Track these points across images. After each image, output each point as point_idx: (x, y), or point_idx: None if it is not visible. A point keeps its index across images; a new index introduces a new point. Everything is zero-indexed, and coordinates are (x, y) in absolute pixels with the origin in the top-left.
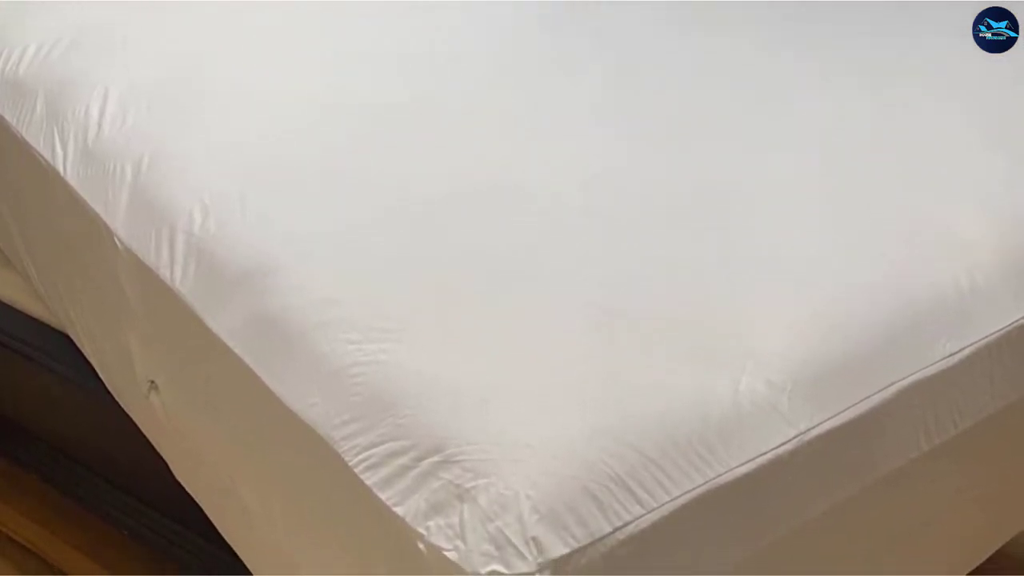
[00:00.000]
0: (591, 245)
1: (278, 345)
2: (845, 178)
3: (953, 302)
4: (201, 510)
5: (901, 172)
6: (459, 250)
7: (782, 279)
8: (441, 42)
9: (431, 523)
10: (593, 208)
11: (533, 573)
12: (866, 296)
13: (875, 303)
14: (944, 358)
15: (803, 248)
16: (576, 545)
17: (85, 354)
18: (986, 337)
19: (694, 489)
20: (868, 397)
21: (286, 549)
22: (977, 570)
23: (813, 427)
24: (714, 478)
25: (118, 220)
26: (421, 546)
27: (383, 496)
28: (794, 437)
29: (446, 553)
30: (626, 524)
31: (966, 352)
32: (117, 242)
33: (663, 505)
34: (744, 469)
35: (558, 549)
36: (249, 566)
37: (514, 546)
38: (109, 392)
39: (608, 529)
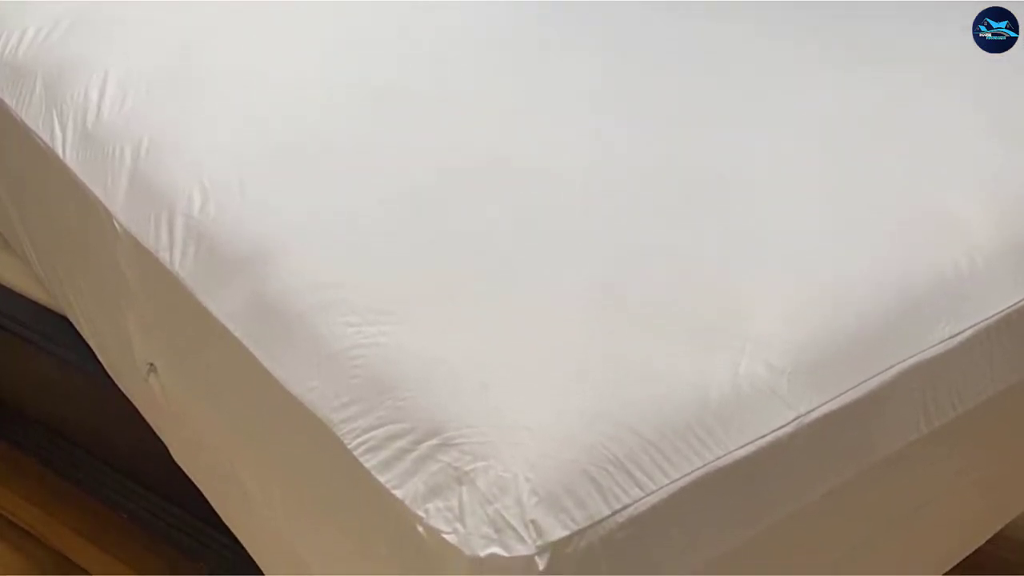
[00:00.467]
0: (591, 229)
1: (277, 328)
2: (845, 162)
3: (952, 285)
4: (200, 493)
5: (901, 156)
6: (458, 234)
7: (782, 262)
8: (441, 26)
9: (430, 506)
10: (593, 192)
11: (532, 555)
12: (866, 279)
13: (875, 286)
14: (943, 341)
15: (803, 232)
16: (575, 528)
17: (84, 337)
18: (985, 320)
19: (693, 472)
20: (867, 380)
21: (285, 532)
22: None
23: (812, 410)
24: (713, 461)
25: (117, 203)
26: (420, 529)
27: (382, 479)
28: (793, 420)
29: (445, 536)
30: (625, 507)
31: (965, 335)
32: (116, 225)
33: (662, 488)
34: (743, 452)
35: (557, 532)
36: (248, 548)
37: (513, 529)
38: (108, 375)
39: (607, 512)
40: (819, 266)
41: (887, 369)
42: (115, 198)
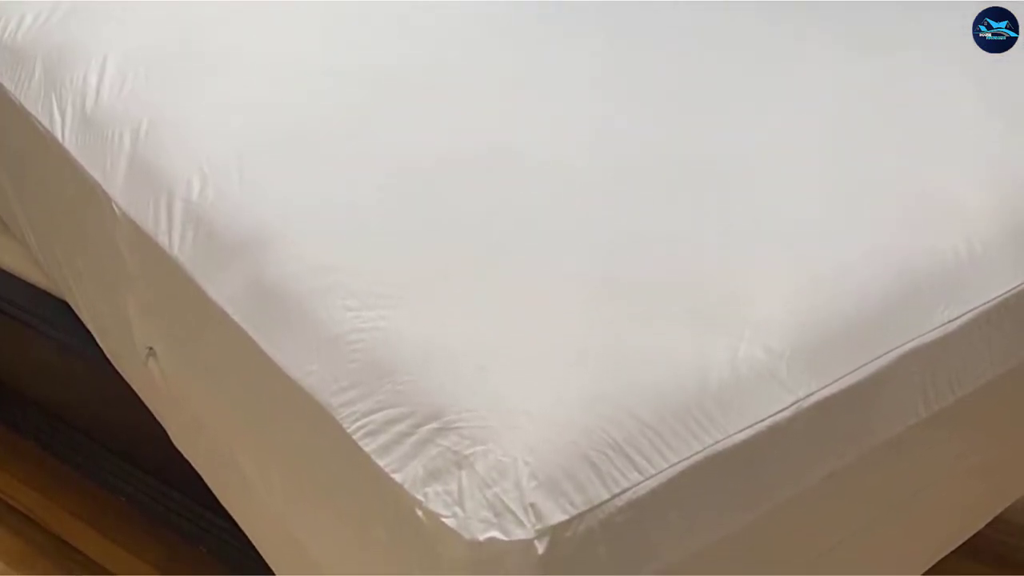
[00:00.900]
0: (590, 212)
1: (276, 312)
2: (844, 145)
3: (952, 269)
4: (200, 477)
5: (900, 139)
6: (458, 217)
7: (781, 246)
8: (441, 9)
9: (429, 490)
10: (592, 175)
11: (531, 539)
12: (865, 263)
13: (874, 270)
14: (942, 325)
15: (802, 215)
16: (574, 512)
17: (83, 321)
18: (984, 304)
19: (692, 456)
20: (867, 364)
21: (284, 516)
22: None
23: (811, 394)
24: (712, 445)
25: (117, 187)
26: (419, 513)
27: (381, 463)
28: (792, 404)
29: (444, 520)
30: (624, 491)
31: (965, 319)
32: (116, 209)
33: (661, 472)
34: (742, 436)
35: (556, 516)
36: (247, 532)
37: (512, 513)
38: (108, 359)
39: (606, 496)
40: (818, 251)
41: (886, 353)
42: (114, 182)
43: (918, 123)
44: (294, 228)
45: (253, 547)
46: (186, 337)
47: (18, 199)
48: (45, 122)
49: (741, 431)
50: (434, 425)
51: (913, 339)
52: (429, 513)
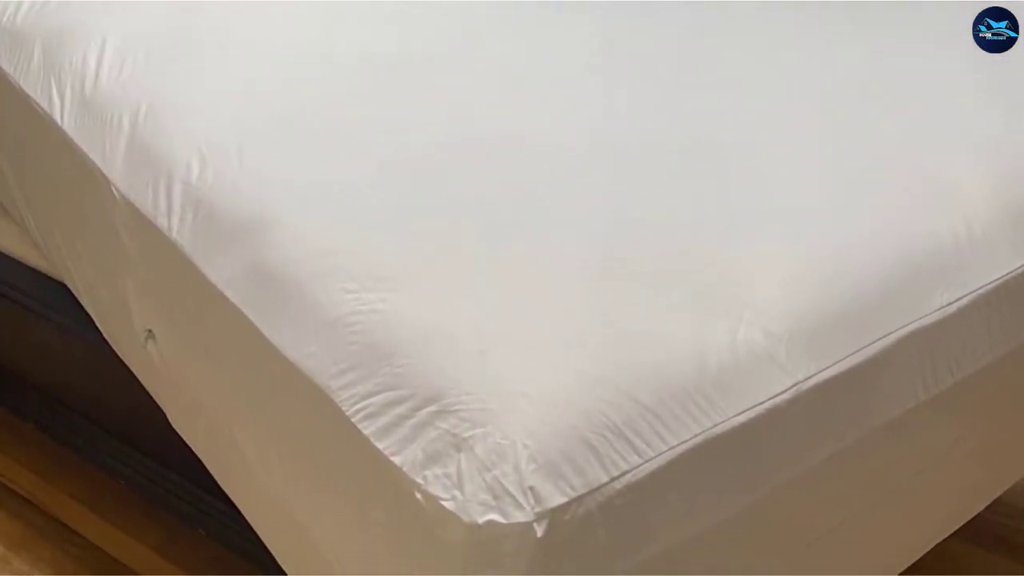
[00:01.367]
0: (589, 195)
1: (275, 295)
2: (843, 129)
3: (950, 252)
4: (199, 460)
5: (899, 123)
6: (457, 200)
7: (780, 229)
8: None
9: (428, 472)
10: (591, 158)
11: (530, 522)
12: (863, 246)
13: (872, 253)
14: (941, 308)
15: (800, 198)
16: (573, 495)
17: (83, 304)
18: (983, 287)
19: (691, 439)
20: (866, 347)
21: (283, 498)
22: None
23: (810, 376)
24: (711, 427)
25: (116, 170)
26: (418, 495)
27: (380, 446)
28: (791, 387)
29: (443, 502)
30: (623, 473)
31: (963, 302)
32: (115, 191)
33: (660, 455)
34: (741, 419)
35: (555, 499)
36: (246, 515)
37: (511, 496)
38: (107, 342)
39: (605, 479)
40: (818, 233)
41: (885, 336)
42: (113, 165)
43: (917, 107)
44: (294, 211)
45: (252, 529)
46: (185, 320)
47: (17, 182)
48: (44, 105)
49: (740, 414)
50: (433, 408)
51: (912, 322)
52: (428, 496)
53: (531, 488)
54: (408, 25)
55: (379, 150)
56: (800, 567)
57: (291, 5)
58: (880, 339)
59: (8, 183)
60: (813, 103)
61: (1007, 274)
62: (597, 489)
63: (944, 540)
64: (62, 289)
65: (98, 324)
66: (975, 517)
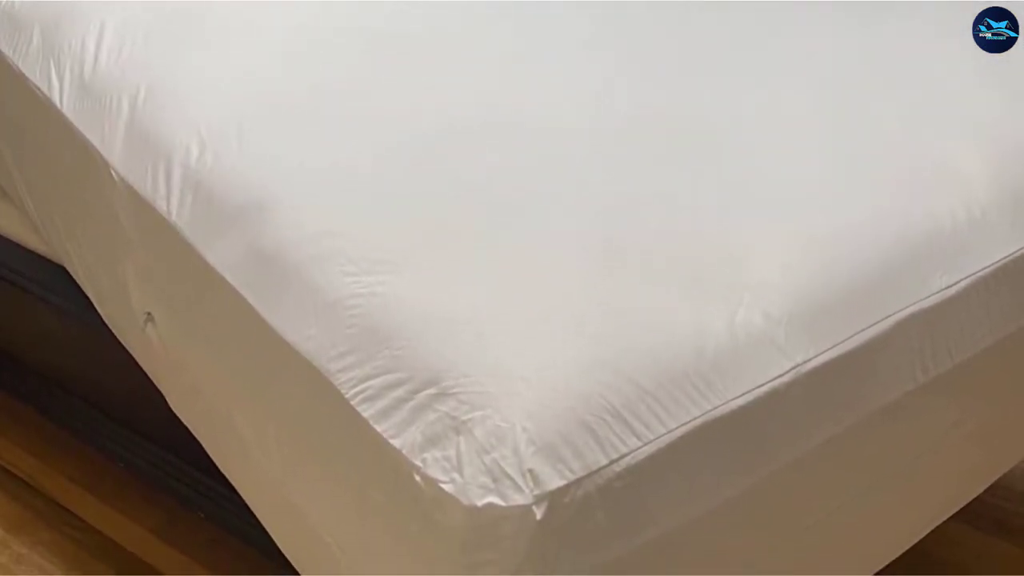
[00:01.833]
0: (588, 178)
1: (274, 278)
2: (842, 111)
3: (949, 234)
4: (197, 442)
5: (899, 106)
6: (456, 183)
7: (779, 211)
8: None
9: (427, 455)
10: (591, 141)
11: (529, 505)
12: (862, 229)
13: (871, 236)
14: (940, 291)
15: (800, 181)
16: (572, 477)
17: (82, 286)
18: (982, 270)
19: (690, 421)
20: (864, 329)
21: (282, 481)
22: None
23: (809, 359)
24: (710, 410)
25: (114, 153)
26: (417, 478)
27: (379, 428)
28: (790, 369)
29: (442, 485)
30: (622, 456)
31: (962, 285)
32: (113, 174)
33: (659, 437)
34: (740, 401)
35: (554, 481)
36: (245, 497)
37: (510, 478)
38: (106, 325)
39: (604, 461)
40: (817, 216)
41: (884, 319)
42: (112, 147)
43: (917, 90)
44: (293, 193)
45: (251, 512)
46: (184, 303)
47: (16, 165)
48: (43, 88)
49: (739, 397)
50: (432, 391)
51: (911, 305)
52: (427, 479)
53: (530, 471)
54: (407, 8)
55: (379, 133)
56: (799, 550)
57: None
58: (879, 322)
59: (7, 166)
60: (812, 86)
61: (1006, 257)
62: (596, 472)
63: (943, 523)
64: (61, 272)
65: (97, 307)
66: (974, 500)
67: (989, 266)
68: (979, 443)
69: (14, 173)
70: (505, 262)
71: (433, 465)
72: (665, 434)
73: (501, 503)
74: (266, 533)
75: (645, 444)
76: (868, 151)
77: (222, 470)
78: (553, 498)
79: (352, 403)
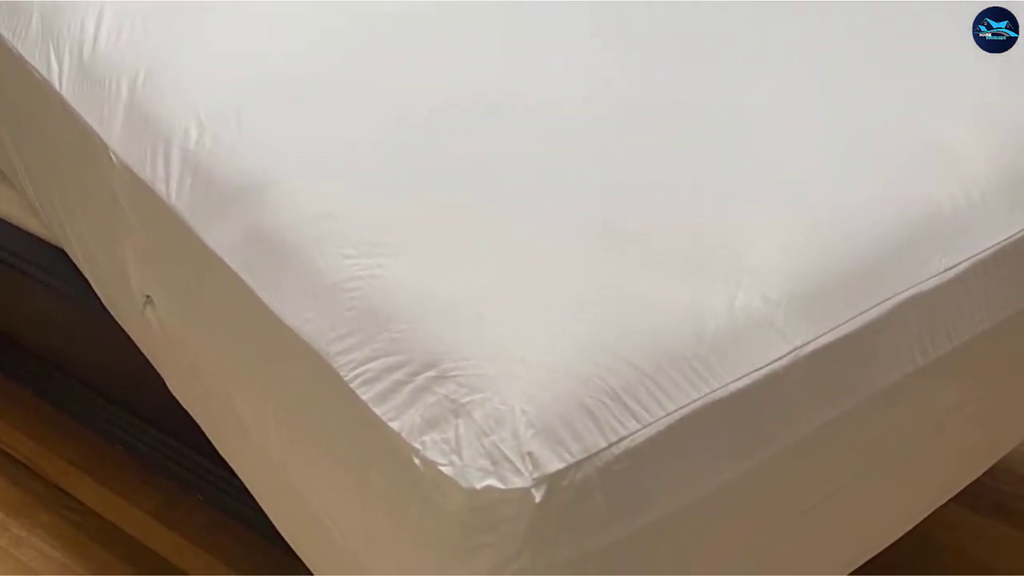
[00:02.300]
0: (588, 161)
1: (274, 260)
2: (840, 94)
3: (948, 217)
4: (196, 425)
5: (897, 89)
6: (456, 165)
7: (778, 194)
8: None
9: (426, 438)
10: (590, 124)
11: (528, 488)
12: (862, 211)
13: (871, 218)
14: (939, 273)
15: (799, 164)
16: (571, 460)
17: (81, 269)
18: (981, 252)
19: (689, 404)
20: (863, 312)
21: (281, 464)
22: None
23: (808, 342)
24: (709, 393)
25: (114, 135)
26: (416, 461)
27: (378, 411)
28: (789, 352)
29: (441, 468)
30: (621, 439)
31: (961, 267)
32: (112, 157)
33: (658, 420)
34: (739, 384)
35: (553, 464)
36: (244, 479)
37: (509, 461)
38: (105, 307)
39: (603, 444)
40: (816, 199)
41: (883, 302)
42: (111, 130)
43: (916, 73)
44: (292, 176)
45: (250, 495)
46: (183, 285)
47: (16, 148)
48: (42, 71)
49: (738, 379)
50: (431, 373)
51: (910, 287)
52: (426, 461)
53: (529, 453)
54: None
55: (377, 115)
56: (798, 533)
57: None
58: (878, 304)
59: (7, 149)
60: (812, 69)
61: (1005, 239)
62: (595, 455)
63: (942, 506)
64: (61, 255)
65: (96, 290)
66: (973, 483)
67: (988, 248)
68: (978, 426)
69: (13, 156)
70: (505, 245)
71: (432, 448)
72: (664, 417)
73: (500, 486)
74: (265, 516)
75: (644, 427)
76: (867, 134)
77: (221, 453)
78: (552, 481)
79: (351, 386)
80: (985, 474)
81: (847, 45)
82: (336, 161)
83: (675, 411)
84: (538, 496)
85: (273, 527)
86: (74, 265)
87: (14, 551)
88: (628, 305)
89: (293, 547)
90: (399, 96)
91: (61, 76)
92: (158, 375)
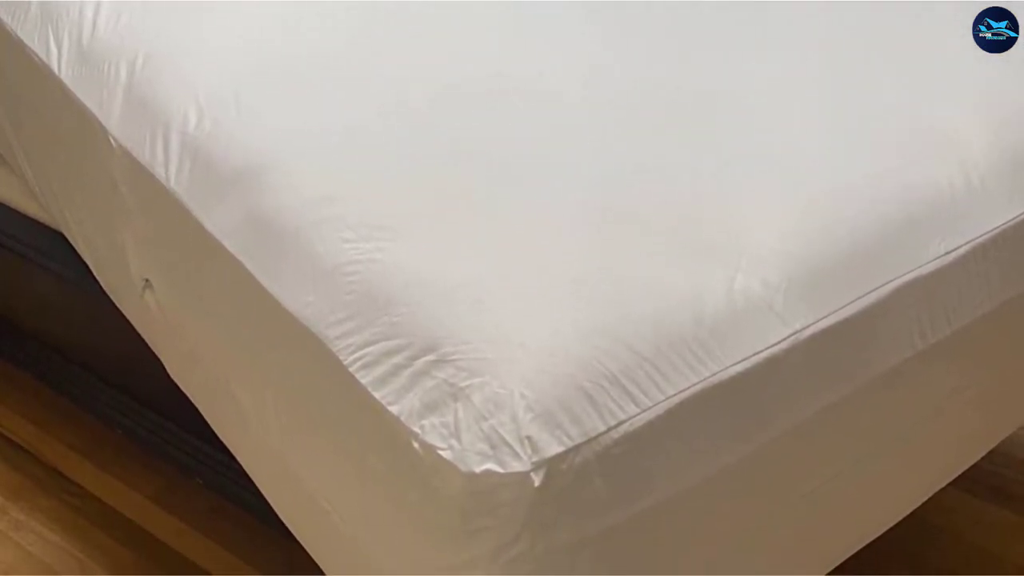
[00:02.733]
0: (587, 144)
1: (273, 244)
2: (840, 78)
3: (947, 201)
4: (196, 409)
5: (895, 72)
6: (455, 149)
7: (777, 178)
8: None
9: (425, 422)
10: (589, 108)
11: (527, 472)
12: (861, 195)
13: (870, 202)
14: (939, 257)
15: (798, 147)
16: (570, 444)
17: (80, 253)
18: (980, 236)
19: (688, 388)
20: (863, 296)
21: (280, 447)
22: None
23: (808, 326)
24: (708, 377)
25: (113, 119)
26: (415, 445)
27: (378, 395)
28: (789, 336)
29: (440, 452)
30: (620, 423)
31: (961, 251)
32: (112, 141)
33: (657, 404)
34: (738, 368)
35: (552, 448)
36: (243, 464)
37: (508, 445)
38: (104, 291)
39: (602, 428)
40: (815, 183)
41: (883, 285)
42: (110, 114)
43: (915, 57)
44: (291, 160)
45: (249, 479)
46: (183, 270)
47: (15, 132)
48: (41, 55)
49: (737, 363)
50: (430, 357)
51: (910, 271)
52: (425, 445)
53: (528, 437)
54: None
55: (377, 98)
56: (797, 517)
57: None
58: (878, 288)
59: (6, 133)
60: (811, 54)
61: (1005, 223)
62: (594, 438)
63: (940, 490)
64: (60, 239)
65: (96, 274)
66: (972, 467)
67: (988, 232)
68: (977, 410)
69: (12, 140)
70: (504, 229)
71: (431, 432)
72: (663, 401)
73: (499, 470)
74: (265, 500)
75: (643, 411)
76: (867, 118)
77: (221, 437)
78: (551, 465)
79: (350, 370)
80: (984, 458)
81: (846, 30)
82: (335, 145)
83: (674, 395)
84: (537, 480)
85: (273, 511)
86: (73, 249)
87: (13, 535)
88: (627, 289)
89: (293, 531)
90: (399, 80)
91: (60, 60)
92: (158, 359)
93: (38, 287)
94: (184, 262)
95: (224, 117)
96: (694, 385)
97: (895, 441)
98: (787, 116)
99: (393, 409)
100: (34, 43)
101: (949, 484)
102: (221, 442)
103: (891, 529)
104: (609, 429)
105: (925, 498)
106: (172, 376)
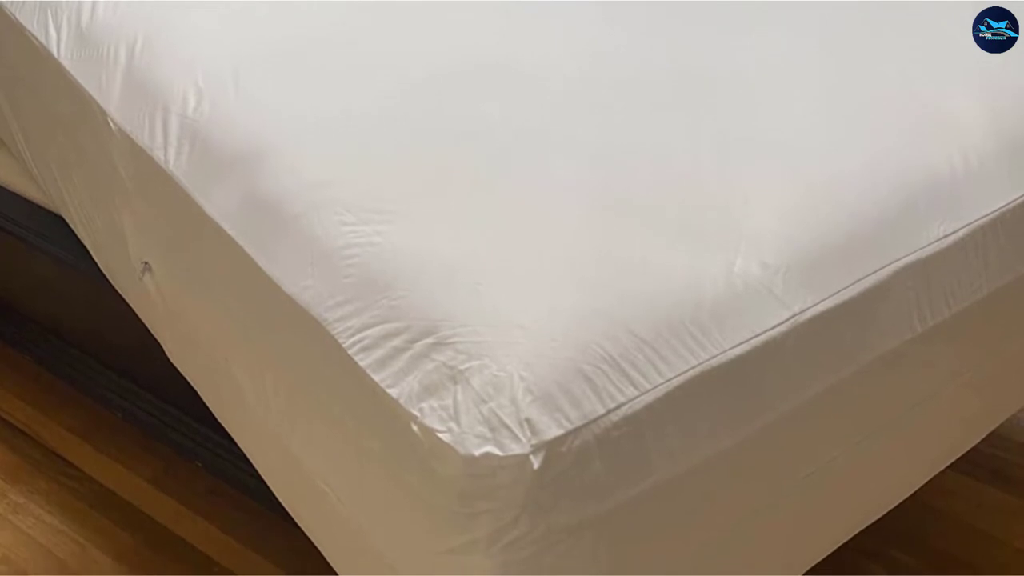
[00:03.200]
0: (587, 127)
1: (272, 227)
2: (839, 60)
3: (947, 183)
4: (195, 392)
5: (897, 56)
6: (454, 132)
7: (777, 161)
8: None
9: (424, 405)
10: (589, 90)
11: (527, 454)
12: (860, 178)
13: (869, 185)
14: (938, 240)
15: (797, 130)
16: (569, 427)
17: (79, 236)
18: (980, 219)
19: (688, 371)
20: (862, 279)
21: (279, 430)
22: (957, 468)
23: (807, 309)
24: (707, 360)
25: (112, 102)
26: (414, 428)
27: (377, 378)
28: (788, 319)
29: (439, 435)
30: (620, 405)
31: (960, 234)
32: (111, 124)
33: (657, 387)
34: (738, 351)
35: (552, 431)
36: (242, 446)
37: (508, 428)
38: (103, 274)
39: (601, 410)
40: (814, 165)
41: (882, 268)
42: (110, 97)
43: (915, 40)
44: (290, 142)
45: (248, 462)
46: (181, 252)
47: (14, 115)
48: (41, 37)
49: (736, 346)
50: (429, 340)
51: (909, 254)
52: (424, 428)
53: (527, 420)
54: None
55: (376, 82)
56: (796, 499)
57: None
58: (877, 271)
59: (5, 116)
60: (811, 36)
61: (1004, 206)
62: (593, 421)
63: (940, 472)
64: (59, 222)
65: (94, 256)
66: (971, 449)
67: (987, 215)
68: (977, 392)
69: (11, 123)
70: (503, 211)
71: (430, 414)
72: (662, 383)
73: (498, 452)
74: (264, 483)
75: (642, 393)
76: (866, 100)
77: (219, 420)
78: (550, 448)
79: (349, 352)
80: (983, 441)
81: (846, 13)
82: (334, 127)
83: (673, 378)
84: (536, 463)
85: (271, 493)
86: (72, 232)
87: (12, 517)
88: (626, 271)
89: (291, 513)
90: (398, 63)
91: (59, 43)
92: (156, 342)
93: (37, 270)
94: (182, 245)
95: (223, 100)
96: (693, 368)
97: (894, 424)
98: (787, 99)
99: (392, 392)
100: (33, 26)
101: (949, 467)
102: (220, 424)
103: (891, 511)
104: (608, 412)
105: (925, 480)
106: (171, 359)
